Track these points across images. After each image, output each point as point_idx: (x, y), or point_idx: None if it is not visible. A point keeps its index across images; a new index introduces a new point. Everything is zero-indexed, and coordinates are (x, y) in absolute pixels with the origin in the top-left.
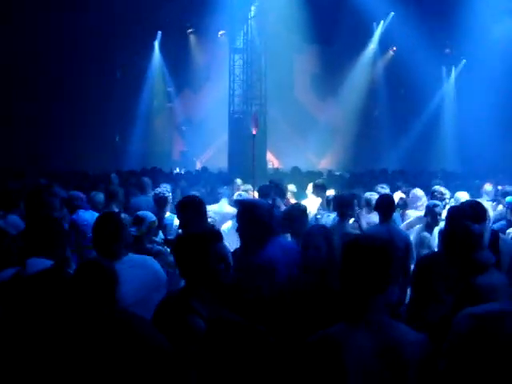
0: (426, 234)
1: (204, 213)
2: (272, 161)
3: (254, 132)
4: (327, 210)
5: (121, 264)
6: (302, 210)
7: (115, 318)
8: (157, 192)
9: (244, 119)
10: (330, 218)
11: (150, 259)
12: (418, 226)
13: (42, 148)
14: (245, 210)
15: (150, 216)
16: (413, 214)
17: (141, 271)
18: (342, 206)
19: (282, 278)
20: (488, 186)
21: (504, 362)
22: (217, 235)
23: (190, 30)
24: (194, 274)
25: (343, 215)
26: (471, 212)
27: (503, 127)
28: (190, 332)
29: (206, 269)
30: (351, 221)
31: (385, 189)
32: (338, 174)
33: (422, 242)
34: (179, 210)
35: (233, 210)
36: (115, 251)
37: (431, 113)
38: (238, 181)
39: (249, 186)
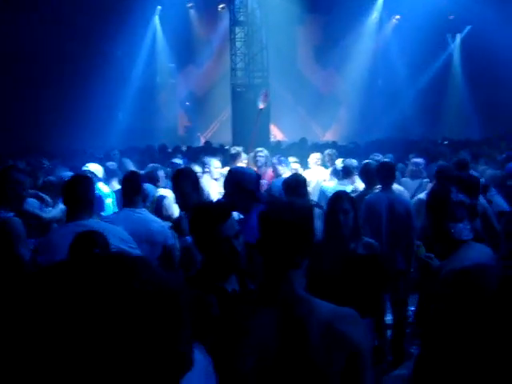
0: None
1: (199, 185)
2: (275, 134)
3: (260, 106)
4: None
5: (136, 212)
6: (301, 181)
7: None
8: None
9: (247, 92)
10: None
11: (110, 227)
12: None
13: (44, 128)
14: (231, 176)
15: (151, 189)
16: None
17: (136, 221)
18: (369, 174)
19: None
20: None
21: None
22: (222, 213)
23: (189, 5)
24: (205, 254)
25: (370, 184)
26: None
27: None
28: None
29: (210, 249)
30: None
31: (378, 157)
32: (343, 145)
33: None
34: (174, 183)
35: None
36: (136, 201)
37: (436, 80)
38: (244, 154)
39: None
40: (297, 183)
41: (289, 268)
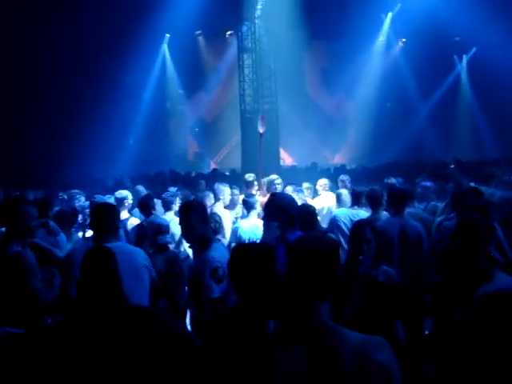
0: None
1: (205, 216)
2: (284, 158)
3: (260, 131)
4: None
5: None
6: (312, 212)
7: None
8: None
9: (255, 118)
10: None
11: (128, 246)
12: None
13: (56, 157)
14: (276, 201)
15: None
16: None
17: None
18: (375, 200)
19: None
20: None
21: None
22: (274, 255)
23: (197, 32)
24: (248, 296)
25: (376, 209)
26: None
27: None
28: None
29: (258, 292)
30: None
31: (391, 180)
32: (351, 168)
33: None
34: (181, 216)
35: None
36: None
37: (445, 101)
38: (255, 182)
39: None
40: (307, 214)
41: (318, 301)
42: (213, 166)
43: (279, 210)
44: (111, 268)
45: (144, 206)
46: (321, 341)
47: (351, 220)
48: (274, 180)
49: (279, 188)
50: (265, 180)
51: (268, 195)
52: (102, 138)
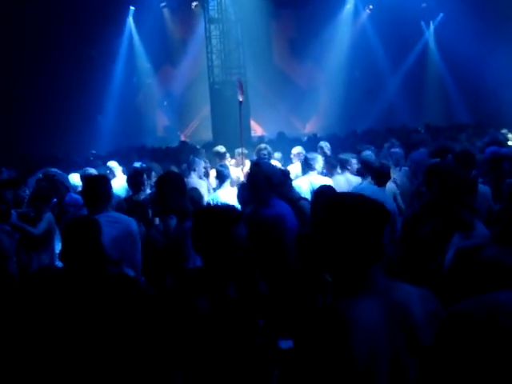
0: None
1: (183, 189)
2: (255, 129)
3: (240, 99)
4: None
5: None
6: (286, 175)
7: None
8: None
9: (225, 89)
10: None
11: (123, 216)
12: None
13: (21, 135)
14: (260, 170)
15: None
16: None
17: (115, 224)
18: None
19: (292, 226)
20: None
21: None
22: (237, 216)
23: (162, 4)
24: (209, 256)
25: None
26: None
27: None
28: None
29: (220, 253)
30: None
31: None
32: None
33: None
34: (158, 188)
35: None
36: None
37: (413, 68)
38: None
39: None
40: (283, 177)
41: (378, 258)
42: (182, 139)
43: (263, 178)
44: (94, 237)
45: (134, 181)
46: (391, 296)
47: (313, 189)
48: (262, 150)
49: (266, 157)
50: (240, 150)
51: (243, 165)
52: (70, 115)
